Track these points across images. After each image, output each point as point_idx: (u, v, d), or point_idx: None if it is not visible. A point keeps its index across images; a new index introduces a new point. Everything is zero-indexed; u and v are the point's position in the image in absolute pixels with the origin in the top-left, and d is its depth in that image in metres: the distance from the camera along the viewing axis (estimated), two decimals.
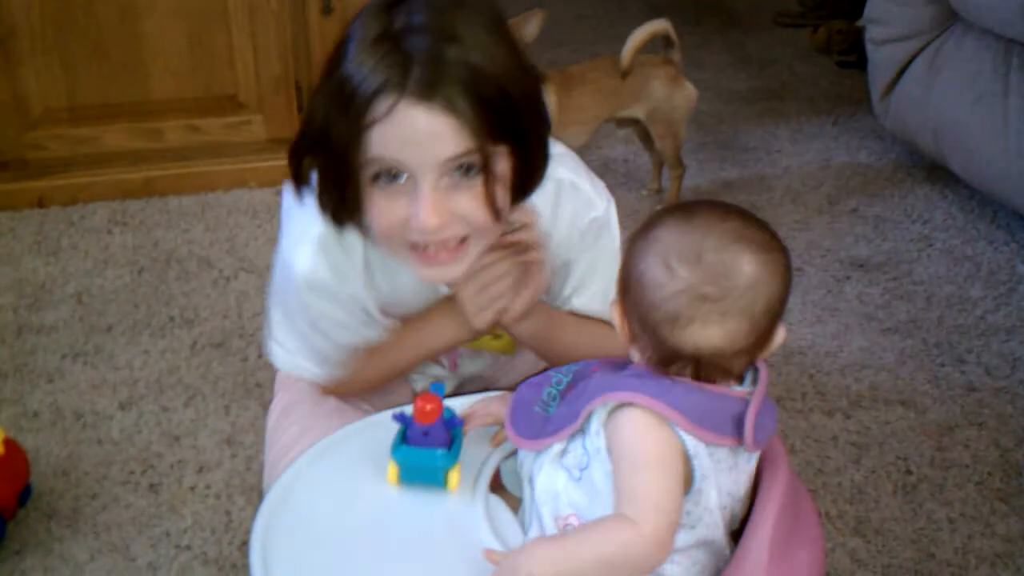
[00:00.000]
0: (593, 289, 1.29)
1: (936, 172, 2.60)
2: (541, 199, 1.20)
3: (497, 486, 1.12)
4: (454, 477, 1.11)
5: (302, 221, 1.18)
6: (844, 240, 2.36)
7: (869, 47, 2.65)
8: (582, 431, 1.01)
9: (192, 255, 2.23)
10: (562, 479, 1.01)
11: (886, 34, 2.56)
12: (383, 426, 1.16)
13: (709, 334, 0.95)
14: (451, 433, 1.12)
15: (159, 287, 2.12)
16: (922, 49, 2.49)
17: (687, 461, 0.95)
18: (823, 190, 2.57)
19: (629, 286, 0.99)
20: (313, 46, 2.42)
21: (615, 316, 1.01)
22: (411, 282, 1.23)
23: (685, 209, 0.99)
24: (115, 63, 2.35)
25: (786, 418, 1.81)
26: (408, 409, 1.12)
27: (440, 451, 1.10)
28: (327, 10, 2.38)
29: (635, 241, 1.00)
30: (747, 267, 0.95)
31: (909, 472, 1.71)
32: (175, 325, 2.01)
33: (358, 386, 1.32)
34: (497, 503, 1.08)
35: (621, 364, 1.04)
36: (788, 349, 1.98)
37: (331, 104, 1.06)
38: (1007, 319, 2.08)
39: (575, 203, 1.23)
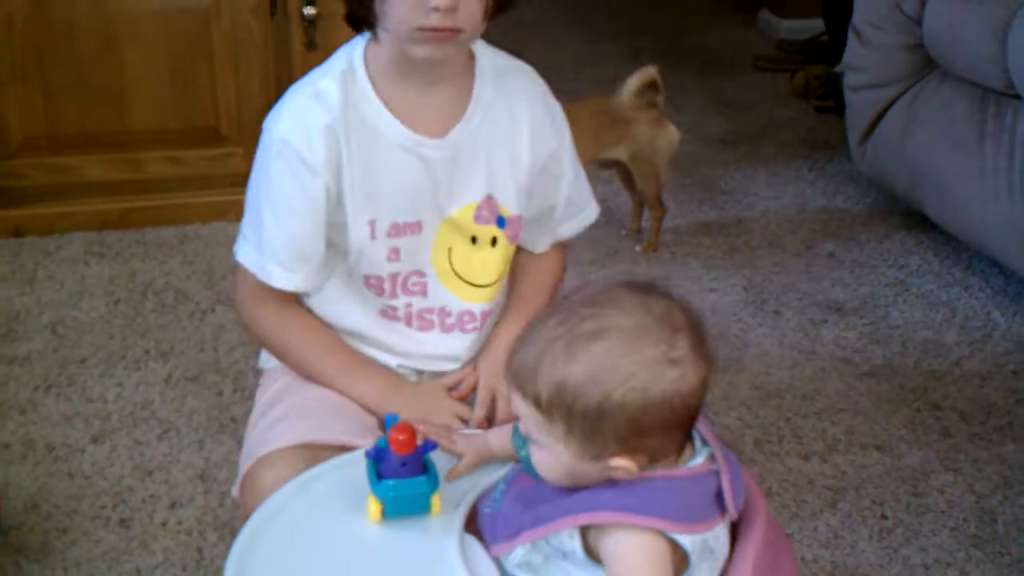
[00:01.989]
0: (581, 211, 1.44)
1: (912, 217, 2.63)
2: (488, 81, 1.30)
3: (474, 529, 1.12)
4: (436, 501, 1.11)
5: (289, 95, 1.28)
6: (821, 284, 2.37)
7: (847, 93, 2.68)
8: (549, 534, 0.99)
9: (169, 287, 2.22)
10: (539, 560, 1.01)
11: (864, 80, 2.59)
12: (354, 464, 1.16)
13: (701, 374, 0.94)
14: (424, 459, 1.13)
15: (135, 319, 2.11)
16: (899, 96, 2.52)
17: (681, 552, 0.95)
18: (800, 234, 2.59)
19: (647, 418, 0.92)
20: (296, 80, 2.42)
21: (623, 467, 0.94)
22: (388, 158, 1.26)
23: (613, 306, 0.95)
24: (96, 93, 2.34)
25: (763, 461, 1.81)
26: (382, 443, 1.12)
27: (421, 478, 1.10)
28: (311, 45, 2.39)
29: (608, 400, 0.92)
30: (687, 309, 0.96)
31: (885, 517, 1.71)
32: (150, 358, 1.99)
33: (288, 351, 1.33)
34: (472, 543, 1.08)
35: None
36: (765, 392, 1.99)
37: None
38: (982, 365, 2.10)
39: (521, 73, 1.34)
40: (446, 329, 1.34)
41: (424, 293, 1.32)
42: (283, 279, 1.28)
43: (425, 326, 1.33)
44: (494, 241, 1.34)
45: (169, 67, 2.36)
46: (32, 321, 2.09)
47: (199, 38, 2.35)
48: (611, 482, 0.96)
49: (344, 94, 1.25)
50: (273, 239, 1.26)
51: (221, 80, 2.40)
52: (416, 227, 1.30)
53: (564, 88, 3.40)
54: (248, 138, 2.44)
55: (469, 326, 1.34)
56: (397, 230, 1.29)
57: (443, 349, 1.34)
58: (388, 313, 1.33)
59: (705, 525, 0.96)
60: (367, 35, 1.28)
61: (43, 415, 1.84)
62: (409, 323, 1.33)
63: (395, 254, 1.29)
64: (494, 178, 1.31)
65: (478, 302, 1.34)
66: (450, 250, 1.33)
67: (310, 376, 1.32)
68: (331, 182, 1.25)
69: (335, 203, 1.26)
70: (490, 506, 1.07)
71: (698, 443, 1.00)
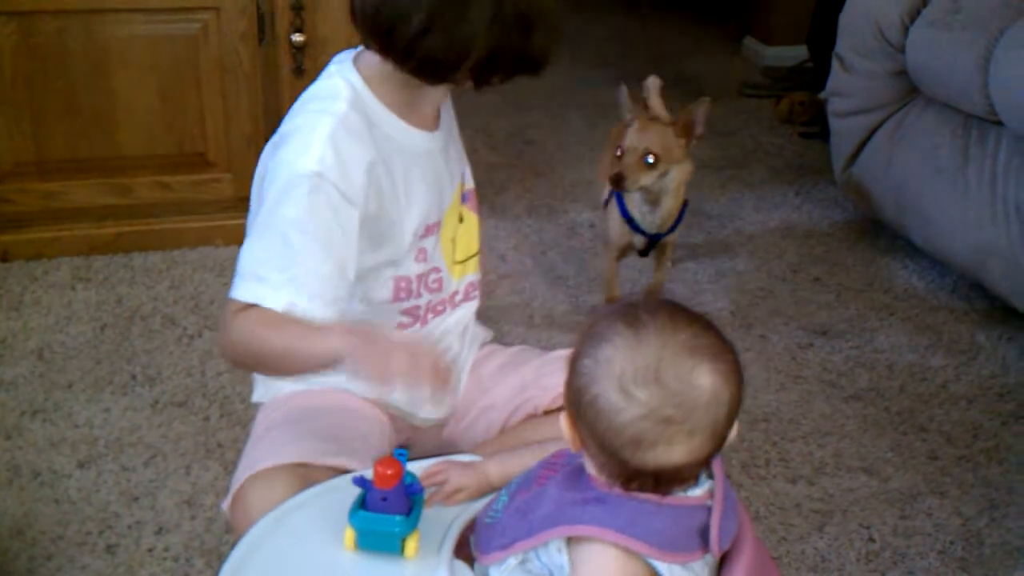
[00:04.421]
0: None
1: (897, 242, 2.65)
2: None
3: (463, 553, 1.11)
4: (412, 545, 1.10)
5: (308, 126, 1.25)
6: (807, 308, 2.38)
7: (831, 119, 2.70)
8: (538, 546, 1.00)
9: (156, 312, 2.21)
10: None
11: (848, 107, 2.61)
12: (344, 490, 1.16)
13: (673, 454, 0.93)
14: (411, 500, 1.11)
15: (122, 344, 2.10)
16: (883, 122, 2.54)
17: None
18: (786, 258, 2.60)
19: (581, 407, 0.96)
20: (284, 106, 2.41)
21: (565, 428, 0.99)
22: (417, 168, 1.31)
23: (631, 320, 0.95)
24: (85, 118, 2.34)
25: (750, 485, 1.82)
26: (368, 473, 1.11)
27: (398, 518, 1.09)
28: (299, 72, 2.40)
29: (581, 359, 0.96)
30: (705, 380, 0.93)
31: (872, 540, 1.71)
32: (137, 383, 1.99)
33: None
34: (462, 569, 1.08)
35: (575, 474, 1.01)
36: (752, 416, 1.99)
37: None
38: (968, 388, 2.11)
39: None
40: (455, 306, 1.44)
41: (440, 288, 1.40)
42: (322, 312, 1.21)
43: (438, 313, 1.42)
44: (461, 217, 1.43)
45: (158, 93, 2.37)
46: (19, 346, 2.08)
47: (187, 64, 2.36)
48: (600, 499, 0.97)
49: (366, 120, 1.26)
50: (315, 273, 1.20)
51: (209, 106, 2.40)
52: (437, 225, 1.37)
53: (554, 112, 3.43)
54: (236, 164, 2.46)
55: (473, 294, 1.46)
56: (427, 231, 1.36)
57: (451, 321, 1.44)
58: (404, 323, 1.38)
59: (685, 556, 0.95)
60: (351, 52, 1.31)
61: (29, 440, 1.83)
62: (425, 322, 1.40)
63: (423, 254, 1.35)
64: (460, 156, 1.43)
65: (472, 272, 1.46)
66: (453, 240, 1.41)
67: (281, 359, 1.21)
68: (365, 210, 1.25)
69: (371, 229, 1.27)
70: (491, 516, 1.07)
71: (703, 475, 1.00)
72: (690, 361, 0.93)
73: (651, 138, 2.07)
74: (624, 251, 2.26)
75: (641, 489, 0.96)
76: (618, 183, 2.06)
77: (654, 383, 0.92)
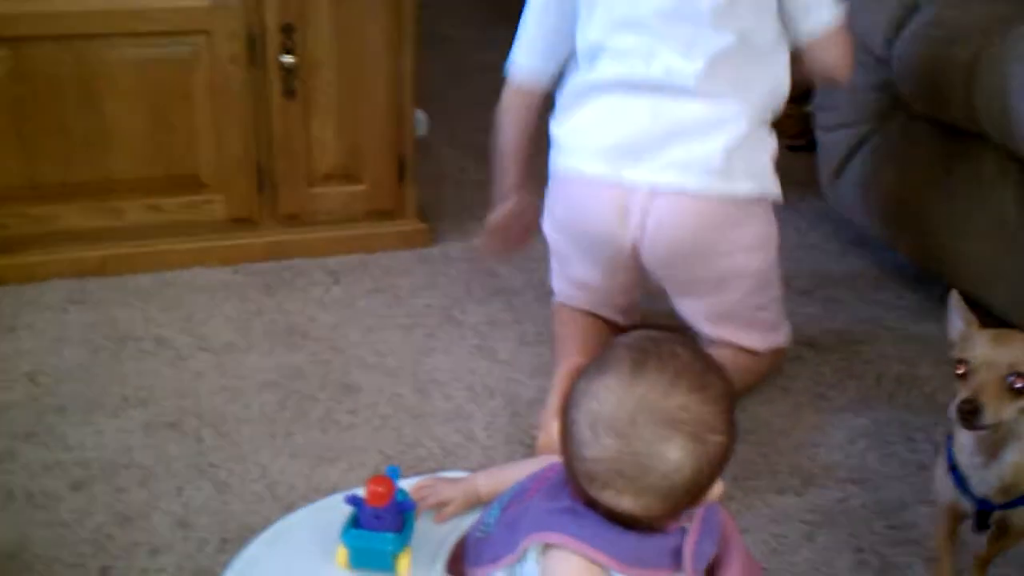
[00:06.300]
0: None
1: (884, 254, 2.66)
2: None
3: (455, 569, 1.13)
4: (404, 562, 1.11)
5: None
6: (795, 320, 2.38)
7: (818, 132, 2.73)
8: (520, 559, 1.02)
9: (148, 334, 2.23)
10: None
11: (834, 120, 2.64)
12: (337, 509, 1.17)
13: (622, 502, 0.95)
14: (403, 517, 1.13)
15: (114, 366, 2.11)
16: (869, 134, 2.57)
17: None
18: None
19: (564, 421, 0.98)
20: (275, 128, 2.45)
21: (555, 432, 1.02)
22: None
23: (639, 360, 0.96)
24: (77, 142, 2.36)
25: (741, 496, 1.83)
26: (361, 491, 1.13)
27: (391, 535, 1.11)
28: (289, 93, 2.41)
29: (585, 376, 0.98)
30: (672, 454, 0.94)
31: (861, 550, 1.72)
32: (129, 405, 2.00)
33: None
34: None
35: (559, 485, 1.03)
36: (741, 427, 1.99)
37: None
38: None
39: None
40: None
41: None
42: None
43: None
44: None
45: (149, 116, 2.38)
46: (11, 370, 2.09)
47: (178, 87, 2.38)
48: (573, 509, 0.99)
49: None
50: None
51: (201, 128, 2.42)
52: None
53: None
54: (228, 185, 2.48)
55: None
56: None
57: None
58: None
59: (651, 573, 0.96)
60: None
61: (22, 464, 1.84)
62: None
63: None
64: None
65: None
66: None
67: None
68: None
69: None
70: (481, 530, 1.08)
71: None
72: (664, 431, 0.94)
73: (1017, 353, 1.42)
74: (954, 516, 1.58)
75: (604, 516, 0.98)
76: (970, 417, 1.38)
77: (619, 436, 0.94)
